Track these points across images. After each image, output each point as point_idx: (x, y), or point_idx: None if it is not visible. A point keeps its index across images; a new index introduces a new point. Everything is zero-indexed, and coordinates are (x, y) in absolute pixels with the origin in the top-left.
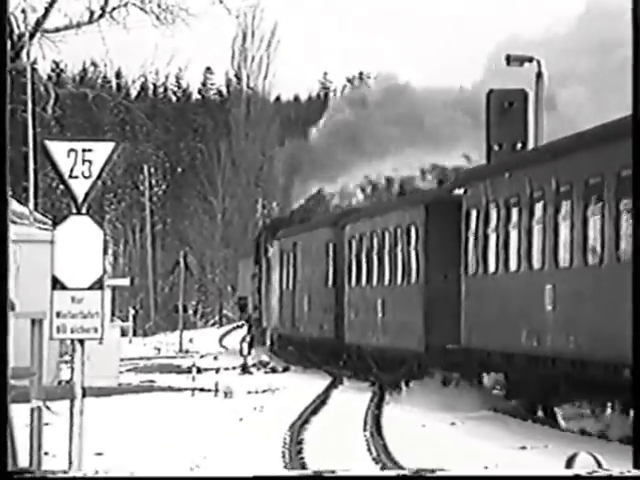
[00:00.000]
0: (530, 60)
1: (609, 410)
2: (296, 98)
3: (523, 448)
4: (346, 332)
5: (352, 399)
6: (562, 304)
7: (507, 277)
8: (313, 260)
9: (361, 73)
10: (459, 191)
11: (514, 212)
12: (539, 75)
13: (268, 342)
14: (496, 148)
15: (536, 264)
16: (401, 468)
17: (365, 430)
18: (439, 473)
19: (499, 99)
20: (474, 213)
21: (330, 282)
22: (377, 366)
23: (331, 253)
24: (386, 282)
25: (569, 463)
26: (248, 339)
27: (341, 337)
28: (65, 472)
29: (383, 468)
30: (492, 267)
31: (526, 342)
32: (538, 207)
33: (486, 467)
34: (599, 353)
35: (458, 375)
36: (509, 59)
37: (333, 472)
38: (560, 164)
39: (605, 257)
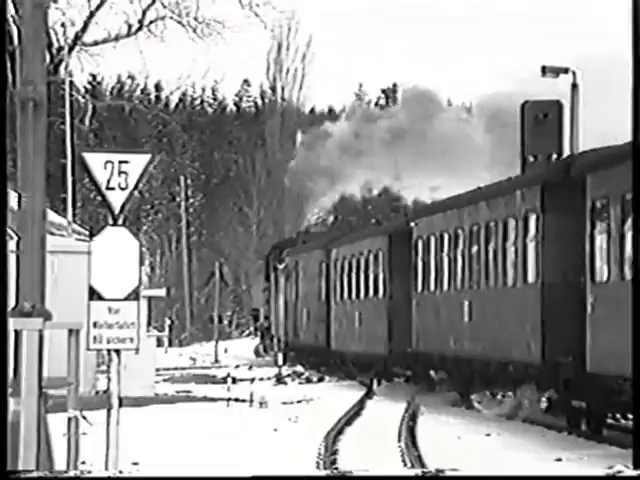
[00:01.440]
0: (566, 71)
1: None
2: (330, 110)
3: (559, 460)
4: (332, 340)
5: (387, 410)
6: (481, 317)
7: (441, 295)
8: (310, 277)
9: (395, 85)
10: (412, 224)
11: (445, 243)
12: (574, 86)
13: (276, 348)
14: (531, 159)
15: (459, 285)
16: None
17: (400, 441)
18: (456, 473)
19: (534, 110)
20: (420, 242)
21: (323, 297)
22: (356, 368)
23: (324, 272)
24: (362, 297)
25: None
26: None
27: (329, 345)
28: (65, 472)
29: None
30: (432, 286)
31: (453, 346)
32: (460, 240)
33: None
34: (497, 354)
35: (411, 373)
36: (544, 70)
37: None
38: (472, 209)
39: (511, 281)
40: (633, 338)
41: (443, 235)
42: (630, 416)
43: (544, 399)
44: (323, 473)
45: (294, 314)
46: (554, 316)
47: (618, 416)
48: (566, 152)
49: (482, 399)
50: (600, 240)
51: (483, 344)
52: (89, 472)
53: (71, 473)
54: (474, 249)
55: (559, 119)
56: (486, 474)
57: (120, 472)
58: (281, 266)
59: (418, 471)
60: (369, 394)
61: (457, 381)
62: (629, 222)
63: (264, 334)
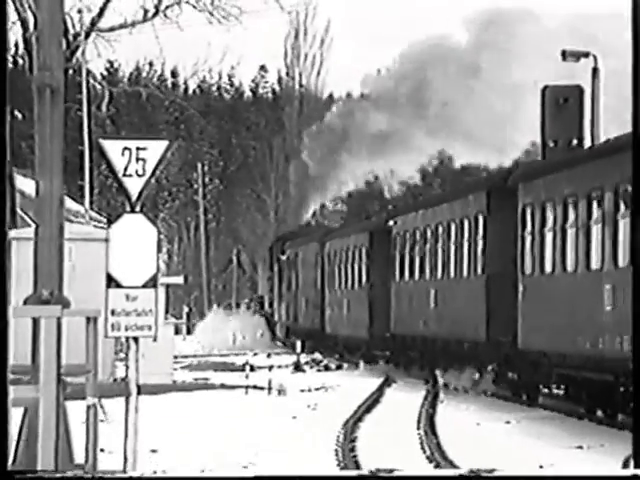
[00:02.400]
0: (586, 55)
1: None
2: (348, 95)
3: (579, 447)
4: (326, 324)
5: (406, 397)
6: (442, 303)
7: (413, 284)
8: (308, 268)
9: None
10: (391, 222)
11: (417, 239)
12: (595, 70)
13: (278, 332)
14: (551, 144)
15: (427, 275)
16: (455, 467)
17: (419, 428)
18: (496, 473)
19: (554, 95)
20: (397, 238)
21: (319, 286)
22: (347, 350)
23: (319, 263)
24: (349, 287)
25: (626, 464)
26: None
27: (324, 328)
28: (65, 471)
29: (437, 467)
30: (406, 276)
31: (422, 328)
32: (428, 237)
33: (541, 466)
34: (455, 335)
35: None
36: (565, 54)
37: (391, 471)
38: (438, 210)
39: (464, 273)
40: (633, 337)
41: (415, 232)
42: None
43: (490, 370)
44: (345, 472)
45: (294, 301)
46: (496, 303)
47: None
48: (587, 137)
49: (445, 373)
50: (528, 240)
51: (445, 326)
52: (89, 472)
53: (70, 473)
54: (439, 244)
55: (580, 104)
56: (510, 471)
57: (121, 472)
58: (283, 257)
59: (445, 472)
60: (391, 381)
61: (426, 359)
62: (549, 224)
63: (269, 320)
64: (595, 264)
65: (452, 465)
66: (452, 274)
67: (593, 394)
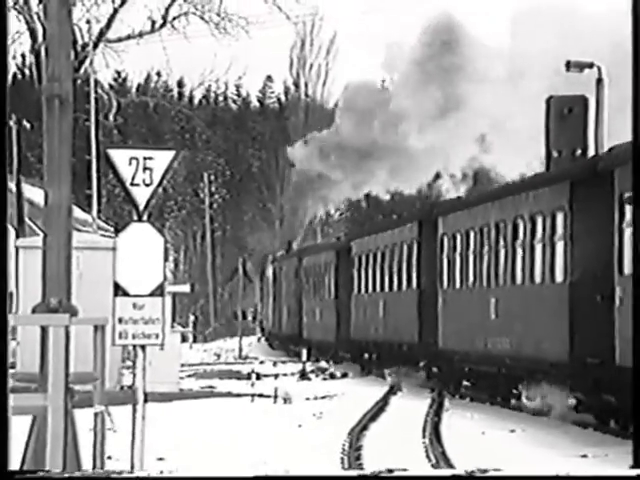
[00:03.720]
0: (591, 66)
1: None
2: (336, 105)
3: (584, 456)
4: (303, 330)
5: (411, 406)
6: (388, 313)
7: (367, 296)
8: (288, 281)
9: None
10: (352, 243)
11: (370, 259)
12: (599, 81)
13: (263, 339)
14: (555, 155)
15: (378, 289)
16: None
17: (424, 437)
18: (490, 473)
19: (559, 105)
20: (356, 257)
21: (297, 297)
22: (319, 352)
23: (297, 276)
24: (321, 298)
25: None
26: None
27: (301, 333)
28: (66, 472)
29: None
30: (363, 290)
31: (374, 334)
32: (377, 256)
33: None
34: (396, 339)
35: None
36: (569, 65)
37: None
38: (383, 236)
39: (403, 286)
40: (633, 337)
41: (368, 253)
42: None
43: (422, 367)
44: (345, 472)
45: (278, 310)
46: (426, 312)
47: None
48: (591, 147)
49: (393, 372)
50: (445, 261)
51: (389, 331)
52: (91, 472)
53: (70, 474)
54: (385, 264)
55: (584, 114)
56: (509, 472)
57: (120, 472)
58: (270, 270)
59: (445, 472)
60: (397, 389)
61: (379, 359)
62: (458, 250)
63: (263, 328)
64: (485, 282)
65: None
66: (395, 288)
67: (488, 385)
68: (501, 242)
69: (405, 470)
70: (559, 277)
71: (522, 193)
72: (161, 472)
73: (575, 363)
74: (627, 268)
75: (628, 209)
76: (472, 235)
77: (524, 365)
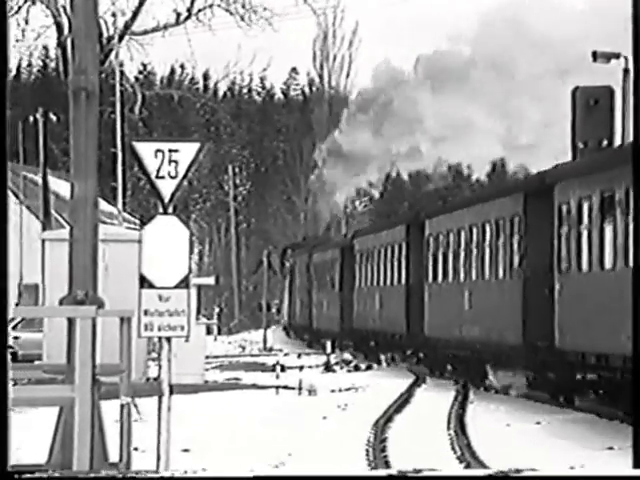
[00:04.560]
0: (617, 56)
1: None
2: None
3: (610, 449)
4: (314, 321)
5: (436, 398)
6: (382, 305)
7: (367, 290)
8: (301, 274)
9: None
10: (355, 240)
11: (368, 256)
12: (626, 71)
13: (281, 328)
14: (581, 146)
15: (375, 283)
16: (485, 468)
17: (449, 429)
18: (524, 473)
19: (585, 96)
20: (358, 254)
21: (307, 289)
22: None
23: (308, 270)
24: (328, 291)
25: None
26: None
27: (312, 324)
28: (67, 472)
29: (467, 467)
30: (363, 284)
31: (372, 324)
32: (375, 256)
33: (572, 468)
34: (390, 329)
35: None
36: (595, 55)
37: (419, 471)
38: (383, 235)
39: (395, 282)
40: (633, 337)
41: (367, 251)
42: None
43: (410, 354)
44: (373, 472)
45: (293, 302)
46: (414, 306)
47: None
48: (617, 138)
49: (387, 358)
50: (431, 260)
51: (384, 322)
52: (91, 472)
53: (69, 473)
54: (381, 261)
55: (610, 105)
56: (544, 472)
57: (120, 473)
58: (286, 264)
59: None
60: (421, 381)
61: (377, 347)
62: (441, 250)
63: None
64: (461, 277)
65: (483, 466)
66: (389, 283)
67: (464, 368)
68: (474, 242)
69: (434, 470)
70: (515, 273)
71: (489, 201)
72: (156, 472)
73: (527, 346)
74: (430, 279)
75: (431, 246)
76: (451, 236)
77: (491, 349)
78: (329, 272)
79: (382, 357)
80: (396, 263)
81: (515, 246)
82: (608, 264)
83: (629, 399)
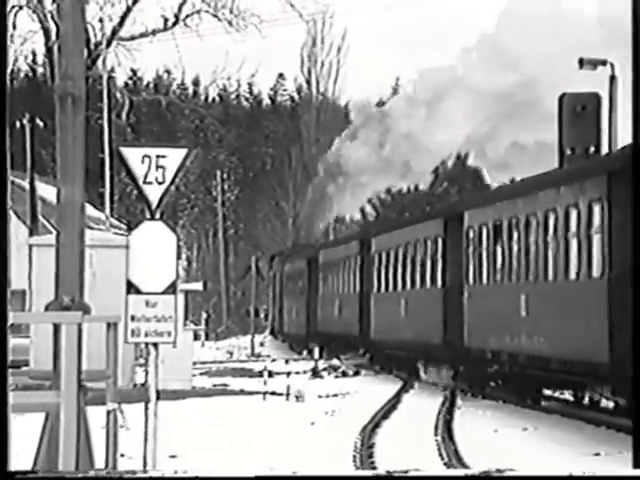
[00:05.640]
0: (604, 63)
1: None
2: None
3: (597, 455)
4: (284, 326)
5: (423, 403)
6: (341, 311)
7: (326, 297)
8: (279, 282)
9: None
10: (321, 252)
11: (329, 268)
12: (612, 78)
13: (267, 332)
14: (569, 152)
15: (335, 291)
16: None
17: (436, 434)
18: (508, 473)
19: (572, 102)
20: (321, 266)
21: (278, 297)
22: (295, 343)
23: (282, 279)
24: (297, 297)
25: None
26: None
27: (282, 329)
28: (67, 472)
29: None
30: (325, 292)
31: (331, 328)
32: (334, 267)
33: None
34: (346, 332)
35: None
36: (582, 62)
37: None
38: (339, 249)
39: (350, 291)
40: (633, 338)
41: (329, 263)
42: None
43: (361, 354)
44: (359, 472)
45: (276, 307)
46: (365, 310)
47: None
48: (604, 145)
49: (344, 357)
50: (375, 272)
51: (341, 326)
52: (91, 472)
53: (70, 474)
54: (340, 273)
55: (597, 111)
56: (524, 472)
57: (120, 473)
58: (270, 272)
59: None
60: (409, 387)
61: (335, 348)
62: (383, 263)
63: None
64: (399, 287)
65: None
66: (346, 291)
67: (402, 365)
68: (408, 258)
69: (418, 470)
70: (438, 283)
71: (419, 223)
72: (163, 473)
73: (446, 345)
74: (374, 289)
75: (376, 261)
76: (391, 253)
77: (420, 348)
78: (298, 280)
79: (341, 357)
80: (352, 274)
81: (439, 262)
82: (498, 279)
83: (528, 387)
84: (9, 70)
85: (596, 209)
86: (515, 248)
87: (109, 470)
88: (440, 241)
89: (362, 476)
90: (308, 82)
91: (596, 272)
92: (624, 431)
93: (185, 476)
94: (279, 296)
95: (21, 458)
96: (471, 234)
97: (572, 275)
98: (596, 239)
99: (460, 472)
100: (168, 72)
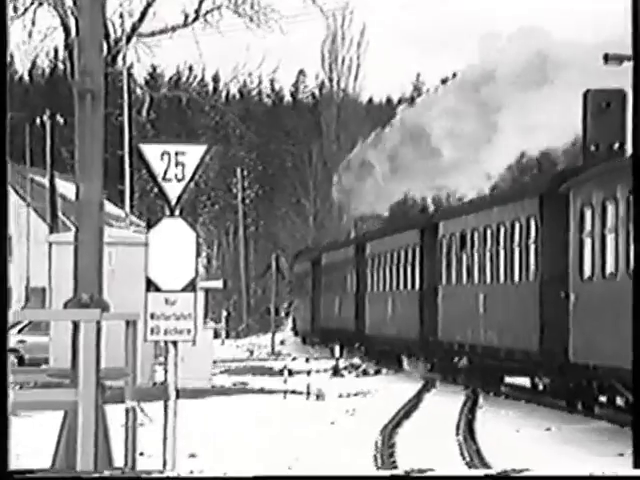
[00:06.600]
0: (629, 59)
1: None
2: (388, 100)
3: (621, 455)
4: (297, 321)
5: (445, 403)
6: (340, 307)
7: (328, 296)
8: (300, 279)
9: (454, 74)
10: (323, 254)
11: (329, 269)
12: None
13: (292, 330)
14: (593, 149)
15: (334, 290)
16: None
17: (458, 434)
18: (526, 473)
19: (596, 99)
20: (323, 266)
21: (309, 292)
22: (302, 340)
23: (291, 279)
24: (303, 297)
25: None
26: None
27: (295, 326)
28: (68, 472)
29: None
30: (327, 291)
31: (331, 324)
32: (332, 269)
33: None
34: (342, 327)
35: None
36: (607, 58)
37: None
38: (338, 252)
39: (348, 290)
40: (633, 338)
41: (332, 264)
42: None
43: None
44: (377, 472)
45: (303, 306)
46: (361, 309)
47: None
48: (629, 141)
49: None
50: (369, 273)
51: (341, 322)
52: (92, 472)
53: (71, 474)
54: (334, 274)
55: (622, 108)
56: (542, 472)
57: (122, 472)
58: (292, 270)
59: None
60: (430, 386)
61: (338, 342)
62: (376, 264)
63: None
64: (387, 288)
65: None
66: (344, 291)
67: (388, 358)
68: (401, 262)
69: (432, 470)
70: (416, 285)
71: (401, 232)
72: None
73: (423, 340)
74: (369, 288)
75: (370, 263)
76: (382, 256)
77: (403, 343)
78: (304, 281)
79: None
80: (349, 276)
81: (417, 266)
82: (464, 281)
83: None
84: (27, 67)
85: (532, 223)
86: (476, 255)
87: (124, 469)
88: (418, 248)
89: (395, 475)
90: (329, 79)
91: (532, 276)
92: None
93: (187, 476)
94: (291, 296)
95: (41, 456)
96: (444, 242)
97: (516, 278)
98: (532, 249)
99: (479, 472)
100: (190, 68)
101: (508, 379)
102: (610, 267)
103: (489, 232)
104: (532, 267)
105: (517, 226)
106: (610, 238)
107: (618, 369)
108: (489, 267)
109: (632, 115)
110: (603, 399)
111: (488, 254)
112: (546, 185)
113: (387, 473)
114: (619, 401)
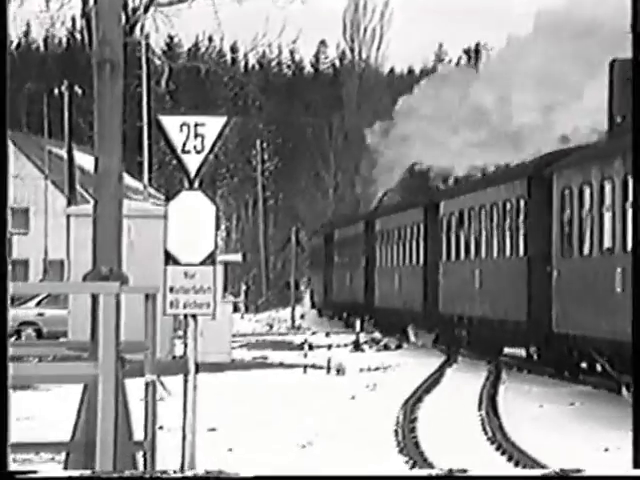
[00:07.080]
0: None
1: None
2: (410, 71)
3: None
4: (315, 295)
5: (467, 378)
6: (352, 282)
7: (340, 271)
8: (315, 254)
9: (477, 45)
10: (336, 230)
11: (339, 244)
12: None
13: (309, 303)
14: (619, 119)
15: (345, 262)
16: (516, 448)
17: (480, 410)
18: (584, 473)
19: (623, 69)
20: (336, 241)
21: (322, 267)
22: (321, 311)
23: (309, 254)
24: (317, 271)
25: None
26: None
27: (312, 298)
28: (68, 471)
29: (499, 448)
30: (337, 265)
31: (346, 297)
32: (343, 244)
33: (606, 449)
34: (351, 300)
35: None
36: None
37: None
38: (345, 229)
39: (356, 266)
40: (633, 332)
41: (341, 240)
42: None
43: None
44: (414, 472)
45: (317, 279)
46: (370, 279)
47: None
48: None
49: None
50: (378, 248)
51: (352, 295)
52: (92, 472)
53: (77, 473)
54: (349, 249)
55: None
56: (569, 447)
57: (121, 472)
58: (312, 243)
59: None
60: (452, 361)
61: (349, 312)
62: (382, 241)
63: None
64: (394, 263)
65: (514, 447)
66: (354, 266)
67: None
68: (402, 239)
69: (465, 471)
70: (420, 261)
71: (406, 210)
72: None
73: (427, 313)
74: (378, 263)
75: (379, 238)
76: (389, 233)
77: (408, 315)
78: (319, 255)
79: (352, 319)
80: (359, 251)
81: (421, 243)
82: (462, 257)
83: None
84: (42, 36)
85: (521, 204)
86: (472, 233)
87: (111, 471)
88: (422, 226)
89: (432, 476)
90: (351, 49)
91: (521, 253)
92: None
93: (192, 476)
94: (308, 270)
95: (60, 429)
96: (444, 221)
97: (507, 255)
98: (522, 227)
99: (537, 472)
100: (210, 39)
101: (507, 350)
102: (587, 246)
103: (483, 211)
104: (521, 244)
105: (508, 206)
106: (587, 219)
107: (594, 338)
108: (484, 244)
109: (632, 115)
110: (584, 365)
111: (483, 232)
112: (533, 168)
113: (424, 473)
114: (599, 368)
